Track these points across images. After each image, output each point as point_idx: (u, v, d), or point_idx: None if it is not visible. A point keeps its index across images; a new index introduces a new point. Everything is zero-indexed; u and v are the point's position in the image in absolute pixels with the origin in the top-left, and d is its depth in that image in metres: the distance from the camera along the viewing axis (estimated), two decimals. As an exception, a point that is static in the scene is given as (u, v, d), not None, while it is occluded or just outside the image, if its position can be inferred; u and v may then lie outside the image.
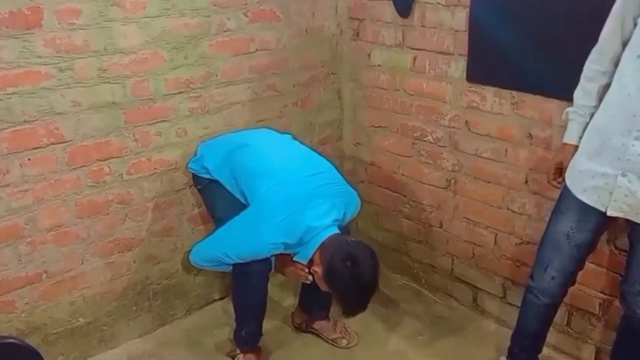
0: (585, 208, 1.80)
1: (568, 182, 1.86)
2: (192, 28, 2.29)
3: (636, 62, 1.62)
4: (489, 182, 2.44)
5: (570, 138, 1.88)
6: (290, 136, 2.39)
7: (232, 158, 2.20)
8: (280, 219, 2.00)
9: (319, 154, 2.32)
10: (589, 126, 1.81)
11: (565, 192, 1.87)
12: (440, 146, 2.59)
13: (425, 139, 2.64)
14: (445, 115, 2.52)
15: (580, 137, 1.84)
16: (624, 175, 1.69)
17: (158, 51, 2.22)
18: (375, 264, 2.01)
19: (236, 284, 2.22)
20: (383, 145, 2.84)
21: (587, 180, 1.78)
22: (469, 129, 2.45)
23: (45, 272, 2.17)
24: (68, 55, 2.01)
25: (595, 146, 1.75)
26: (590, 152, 1.77)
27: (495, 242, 2.50)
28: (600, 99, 1.78)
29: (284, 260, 2.15)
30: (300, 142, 2.36)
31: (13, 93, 1.93)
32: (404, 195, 2.82)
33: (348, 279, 1.95)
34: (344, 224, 2.18)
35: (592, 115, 1.81)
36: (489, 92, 2.33)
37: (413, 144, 2.69)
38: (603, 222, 1.82)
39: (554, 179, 1.96)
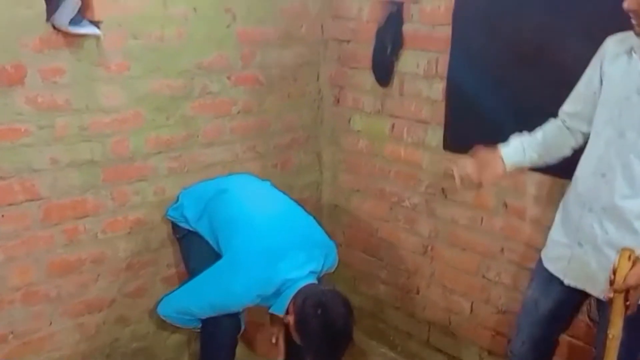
0: (551, 277, 1.84)
1: (542, 252, 1.90)
2: (175, 90, 2.32)
3: (591, 145, 1.72)
4: (465, 249, 2.46)
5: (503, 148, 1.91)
6: (269, 183, 2.40)
7: (211, 207, 2.19)
8: (255, 272, 1.97)
9: (298, 203, 2.31)
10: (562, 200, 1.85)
11: (538, 260, 1.91)
12: (417, 212, 2.61)
13: (402, 204, 2.66)
14: (423, 182, 2.55)
15: (511, 151, 1.89)
16: (580, 245, 1.73)
17: (140, 111, 2.24)
18: (348, 312, 1.96)
19: (205, 343, 2.17)
20: (361, 208, 2.86)
21: (553, 250, 1.84)
22: (446, 196, 2.48)
23: (12, 333, 2.10)
24: (49, 113, 2.02)
25: (561, 218, 1.83)
26: (558, 224, 1.84)
27: (472, 310, 2.49)
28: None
29: (254, 328, 2.11)
30: (280, 191, 2.36)
31: (-9, 149, 1.92)
32: (381, 260, 2.82)
33: (317, 327, 1.90)
34: (320, 275, 2.15)
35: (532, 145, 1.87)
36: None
37: (391, 208, 2.72)
38: (568, 292, 1.81)
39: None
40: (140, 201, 2.32)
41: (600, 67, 1.70)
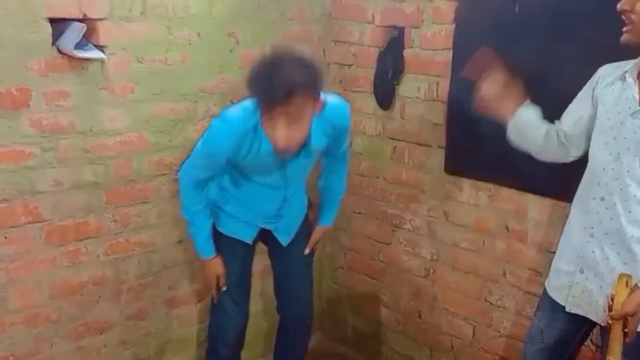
0: (555, 306, 1.82)
1: (546, 282, 1.89)
2: (179, 112, 2.34)
3: (589, 170, 1.73)
4: (467, 272, 2.45)
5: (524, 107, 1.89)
6: None
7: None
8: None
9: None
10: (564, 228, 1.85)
11: (544, 290, 1.90)
12: (419, 234, 2.61)
13: (404, 226, 2.66)
14: (424, 205, 2.56)
15: (528, 114, 1.87)
16: (581, 272, 1.73)
17: (143, 134, 2.26)
18: (303, 61, 1.76)
19: (211, 338, 2.29)
20: (363, 231, 2.86)
21: (557, 278, 1.82)
22: (447, 219, 2.48)
23: (12, 355, 2.09)
24: (53, 136, 2.03)
25: (563, 245, 1.82)
26: (560, 252, 1.83)
27: (474, 334, 2.47)
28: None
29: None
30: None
31: (-5, 171, 1.93)
32: (383, 283, 2.81)
33: (262, 66, 1.75)
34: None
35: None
36: (466, 184, 2.38)
37: (392, 231, 2.72)
38: (573, 321, 1.80)
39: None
40: (143, 223, 2.33)
41: (593, 94, 1.74)
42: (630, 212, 1.61)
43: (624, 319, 1.54)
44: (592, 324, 1.80)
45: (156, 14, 2.19)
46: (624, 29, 1.57)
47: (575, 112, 1.80)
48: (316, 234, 2.33)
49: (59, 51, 1.98)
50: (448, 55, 2.33)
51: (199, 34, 2.31)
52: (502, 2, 2.15)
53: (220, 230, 2.19)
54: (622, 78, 1.65)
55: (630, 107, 1.61)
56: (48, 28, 1.94)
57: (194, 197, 2.09)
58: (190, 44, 2.30)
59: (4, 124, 1.92)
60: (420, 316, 2.67)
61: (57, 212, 2.10)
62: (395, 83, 2.54)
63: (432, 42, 2.39)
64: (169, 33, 2.23)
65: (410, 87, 2.51)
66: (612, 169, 1.64)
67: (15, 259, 2.03)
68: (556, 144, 1.84)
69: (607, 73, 1.72)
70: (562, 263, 1.81)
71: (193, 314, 2.59)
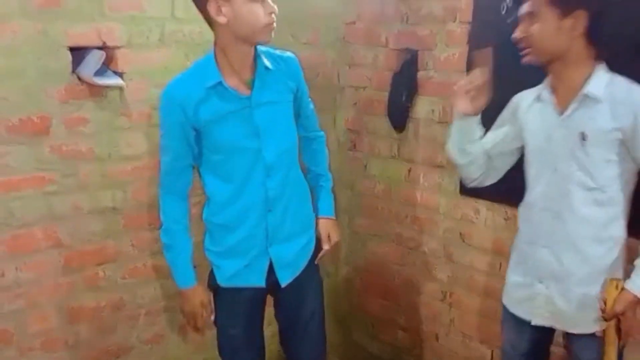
0: (519, 321, 1.87)
1: (503, 297, 1.94)
2: (195, 137, 2.36)
3: (531, 186, 1.82)
4: (484, 295, 2.43)
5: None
6: None
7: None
8: None
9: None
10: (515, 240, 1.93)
11: (503, 307, 1.95)
12: (435, 257, 2.60)
13: (420, 249, 2.65)
14: (440, 227, 2.55)
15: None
16: (540, 282, 1.79)
17: (161, 158, 2.28)
18: None
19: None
20: (378, 253, 2.85)
21: (515, 292, 1.88)
22: (463, 241, 2.47)
23: (30, 380, 2.11)
24: (73, 162, 2.07)
25: (516, 258, 1.89)
26: (513, 265, 1.90)
27: (492, 358, 2.45)
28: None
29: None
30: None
31: (15, 197, 1.96)
32: (399, 306, 2.79)
33: None
34: None
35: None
36: (482, 205, 2.38)
37: (408, 253, 2.71)
38: (540, 331, 1.85)
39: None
40: (160, 247, 2.33)
41: (513, 119, 1.86)
42: (577, 214, 1.69)
43: (617, 320, 1.63)
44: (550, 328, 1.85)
45: (173, 40, 2.23)
46: (524, 52, 1.71)
47: (496, 135, 1.91)
48: (320, 229, 2.09)
49: (79, 78, 2.03)
50: (462, 77, 2.33)
51: (215, 60, 2.34)
52: (514, 25, 2.16)
53: (221, 283, 1.94)
54: (538, 99, 1.78)
55: (553, 120, 1.72)
56: (68, 56, 1.99)
57: (172, 210, 1.91)
58: (206, 69, 2.33)
59: (24, 151, 1.96)
60: (437, 339, 2.65)
61: (76, 237, 2.12)
62: (409, 105, 2.56)
63: (446, 65, 2.40)
64: (186, 59, 2.26)
65: (424, 109, 2.52)
66: (552, 179, 1.74)
67: (35, 284, 2.05)
68: (483, 161, 1.91)
69: (523, 98, 1.85)
70: (517, 276, 1.87)
71: (209, 339, 2.58)
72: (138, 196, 2.24)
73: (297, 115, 1.98)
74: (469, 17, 2.28)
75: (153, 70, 2.19)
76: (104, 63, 2.05)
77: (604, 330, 1.65)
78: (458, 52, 2.35)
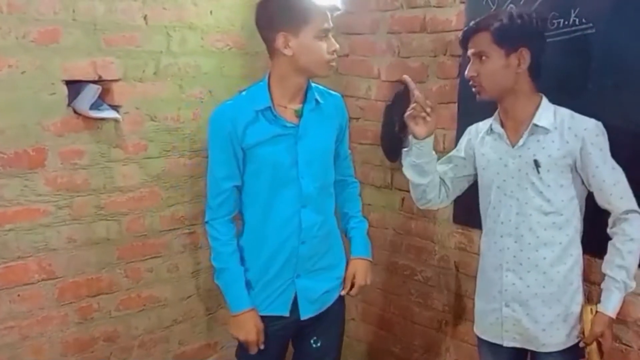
0: (494, 347, 1.92)
1: (474, 326, 1.99)
2: (191, 168, 2.38)
3: (489, 215, 1.89)
4: (479, 324, 2.43)
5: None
6: None
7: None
8: None
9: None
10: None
11: (477, 338, 1.99)
12: (430, 286, 2.60)
13: (415, 277, 2.66)
14: (435, 255, 2.56)
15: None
16: (507, 305, 1.84)
17: (156, 189, 2.30)
18: None
19: None
20: (373, 282, 2.82)
21: (484, 319, 1.93)
22: (458, 270, 2.48)
23: (22, 414, 2.09)
24: (67, 194, 2.08)
25: (481, 285, 1.96)
26: (479, 293, 1.97)
27: (488, 388, 2.43)
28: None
29: None
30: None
31: (10, 230, 1.97)
32: (395, 335, 2.78)
33: None
34: None
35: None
36: (476, 234, 2.38)
37: (403, 282, 2.71)
38: (514, 352, 1.89)
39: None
40: (154, 278, 2.35)
41: (467, 149, 1.97)
42: (538, 237, 1.78)
43: (597, 343, 1.72)
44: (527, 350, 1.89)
45: (169, 74, 2.26)
46: (475, 90, 1.81)
47: (450, 160, 2.02)
48: (349, 268, 2.06)
49: (75, 111, 2.05)
50: (453, 108, 2.37)
51: (210, 92, 2.38)
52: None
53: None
54: (489, 131, 1.88)
55: (506, 151, 1.82)
56: (64, 90, 2.02)
57: (222, 233, 1.89)
58: (202, 101, 2.36)
59: (20, 184, 1.97)
60: (433, 369, 2.64)
61: (70, 268, 2.12)
62: (402, 135, 2.58)
63: (438, 95, 2.43)
64: (181, 92, 2.30)
65: (417, 139, 2.54)
66: (511, 205, 1.82)
67: (28, 316, 2.05)
68: (438, 182, 1.98)
69: (476, 131, 1.96)
70: (484, 302, 1.92)
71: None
72: (132, 227, 2.26)
73: (337, 155, 2.02)
74: (459, 50, 2.32)
75: (148, 103, 2.22)
76: (99, 96, 2.08)
77: (587, 354, 1.75)
78: (449, 83, 2.39)
